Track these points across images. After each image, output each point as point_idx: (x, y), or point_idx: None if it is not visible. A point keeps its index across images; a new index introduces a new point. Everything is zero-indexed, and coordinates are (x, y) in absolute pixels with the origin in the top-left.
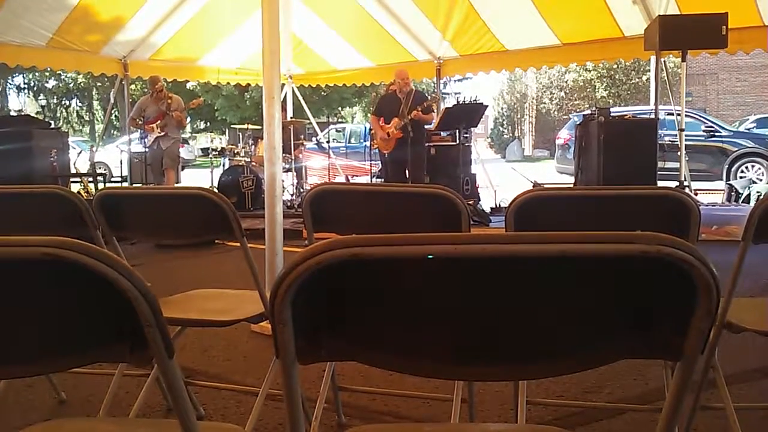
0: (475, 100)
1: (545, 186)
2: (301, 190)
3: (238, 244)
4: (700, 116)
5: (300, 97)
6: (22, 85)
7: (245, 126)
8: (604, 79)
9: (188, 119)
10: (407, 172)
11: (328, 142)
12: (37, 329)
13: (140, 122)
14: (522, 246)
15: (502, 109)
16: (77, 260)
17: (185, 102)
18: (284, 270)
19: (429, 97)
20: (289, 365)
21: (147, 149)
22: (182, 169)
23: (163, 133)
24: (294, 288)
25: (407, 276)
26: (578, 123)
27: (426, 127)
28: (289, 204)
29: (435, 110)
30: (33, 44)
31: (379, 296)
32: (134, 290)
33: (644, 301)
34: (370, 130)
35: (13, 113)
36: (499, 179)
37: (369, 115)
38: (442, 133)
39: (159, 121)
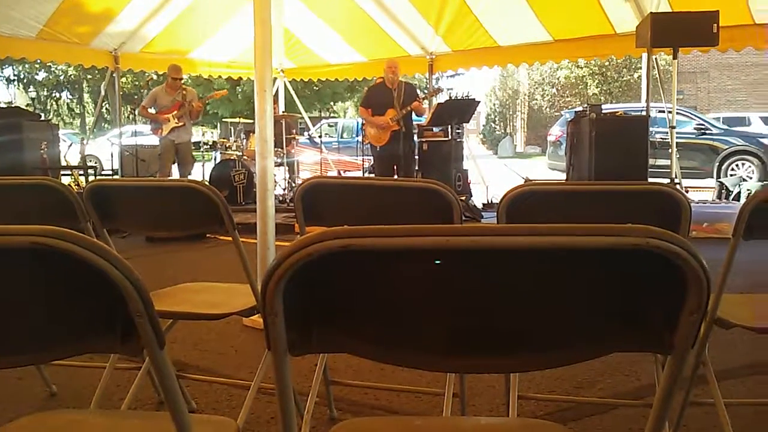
0: (468, 96)
1: (537, 182)
2: (293, 184)
3: (230, 238)
4: (691, 114)
5: (292, 92)
6: (11, 77)
7: (237, 120)
8: (596, 76)
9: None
10: (396, 167)
11: (320, 136)
12: (27, 319)
13: (152, 112)
14: (513, 238)
15: (494, 105)
16: (67, 250)
17: (205, 94)
18: (276, 261)
19: (427, 90)
20: (281, 357)
21: (161, 139)
22: (174, 162)
23: (181, 124)
24: (285, 279)
25: (399, 268)
26: (570, 120)
27: (417, 122)
28: (280, 198)
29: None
30: (23, 35)
31: (370, 288)
32: (124, 280)
33: (635, 294)
34: (363, 124)
35: (2, 105)
36: (491, 175)
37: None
38: (434, 128)
39: (176, 111)
